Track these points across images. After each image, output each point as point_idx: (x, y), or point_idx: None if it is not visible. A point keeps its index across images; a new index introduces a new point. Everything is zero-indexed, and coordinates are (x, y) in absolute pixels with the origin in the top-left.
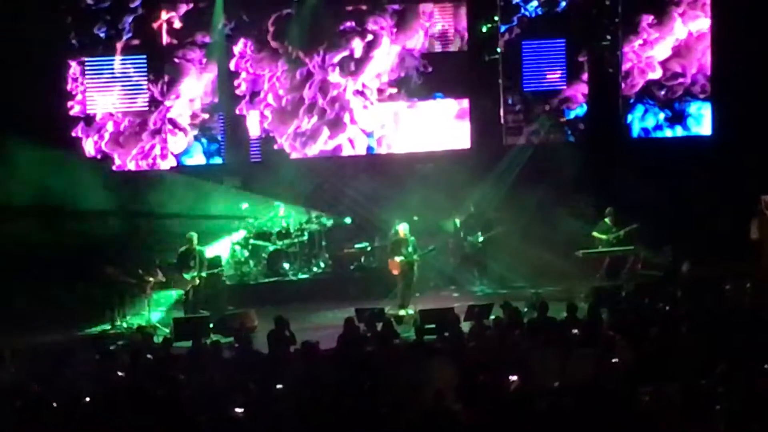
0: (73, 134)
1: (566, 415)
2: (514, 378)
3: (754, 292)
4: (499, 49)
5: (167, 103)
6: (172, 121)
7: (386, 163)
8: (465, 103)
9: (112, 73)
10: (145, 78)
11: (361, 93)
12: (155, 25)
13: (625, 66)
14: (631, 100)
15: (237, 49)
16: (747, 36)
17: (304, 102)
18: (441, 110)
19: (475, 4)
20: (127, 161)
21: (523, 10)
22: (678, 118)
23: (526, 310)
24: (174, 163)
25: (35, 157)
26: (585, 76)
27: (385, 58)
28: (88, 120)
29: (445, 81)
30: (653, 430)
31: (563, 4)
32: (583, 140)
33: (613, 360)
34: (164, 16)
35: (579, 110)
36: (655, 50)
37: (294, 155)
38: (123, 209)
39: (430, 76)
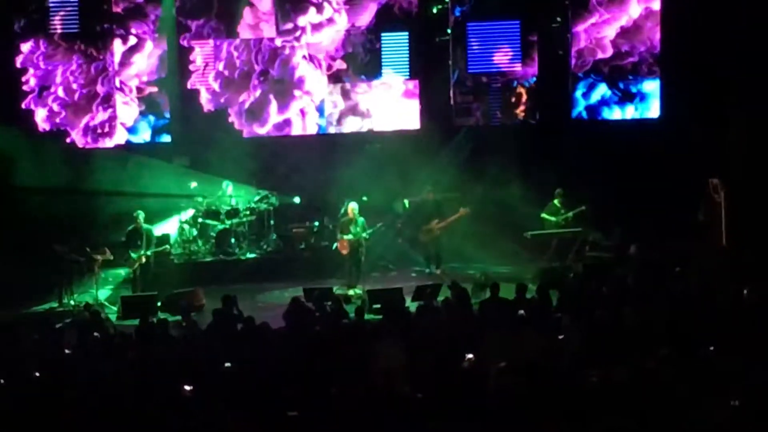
0: (24, 106)
1: (514, 395)
2: (470, 356)
3: (701, 275)
4: (449, 30)
5: (117, 73)
6: (121, 90)
7: (335, 142)
8: (413, 83)
9: (68, 43)
10: (95, 47)
11: (311, 60)
12: None
13: (576, 46)
14: (581, 80)
15: (196, 24)
16: (696, 15)
17: (254, 71)
18: (390, 90)
19: None
20: (78, 134)
21: None
22: (627, 96)
23: (473, 290)
24: (124, 137)
25: None
26: (535, 57)
27: (334, 35)
28: (41, 90)
29: (394, 59)
30: (601, 412)
31: None
32: (532, 121)
33: (561, 341)
34: None
35: (528, 91)
36: (606, 30)
37: (245, 133)
38: (72, 187)
39: (378, 53)
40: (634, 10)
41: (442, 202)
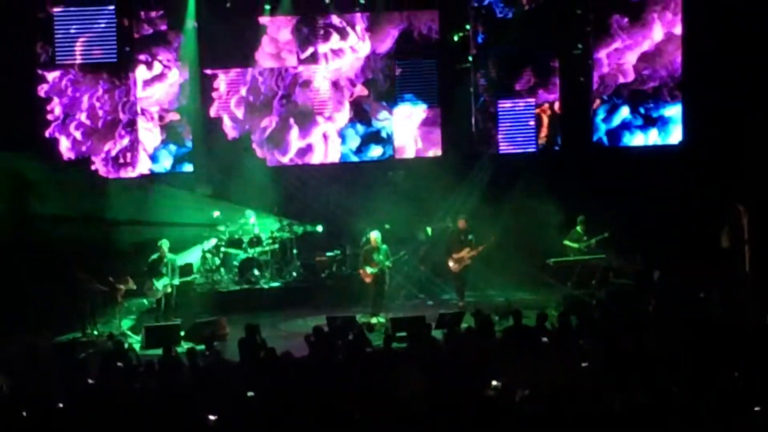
0: (48, 135)
1: (537, 422)
2: (495, 383)
3: (725, 301)
4: (470, 57)
5: (139, 99)
6: (143, 116)
7: (358, 170)
8: (436, 109)
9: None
10: (118, 74)
11: (332, 85)
12: (128, 21)
13: (598, 71)
14: (603, 106)
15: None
16: (718, 39)
17: (276, 95)
18: (411, 116)
19: (447, 11)
20: (101, 163)
21: (498, 13)
22: (649, 121)
23: (497, 318)
24: (147, 166)
25: (7, 161)
26: (557, 83)
27: (354, 61)
28: (66, 117)
29: (415, 86)
30: None
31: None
32: (554, 147)
33: (584, 367)
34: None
35: (550, 117)
36: (627, 55)
37: (269, 162)
38: (95, 216)
39: (398, 79)
40: (657, 35)
41: (473, 231)
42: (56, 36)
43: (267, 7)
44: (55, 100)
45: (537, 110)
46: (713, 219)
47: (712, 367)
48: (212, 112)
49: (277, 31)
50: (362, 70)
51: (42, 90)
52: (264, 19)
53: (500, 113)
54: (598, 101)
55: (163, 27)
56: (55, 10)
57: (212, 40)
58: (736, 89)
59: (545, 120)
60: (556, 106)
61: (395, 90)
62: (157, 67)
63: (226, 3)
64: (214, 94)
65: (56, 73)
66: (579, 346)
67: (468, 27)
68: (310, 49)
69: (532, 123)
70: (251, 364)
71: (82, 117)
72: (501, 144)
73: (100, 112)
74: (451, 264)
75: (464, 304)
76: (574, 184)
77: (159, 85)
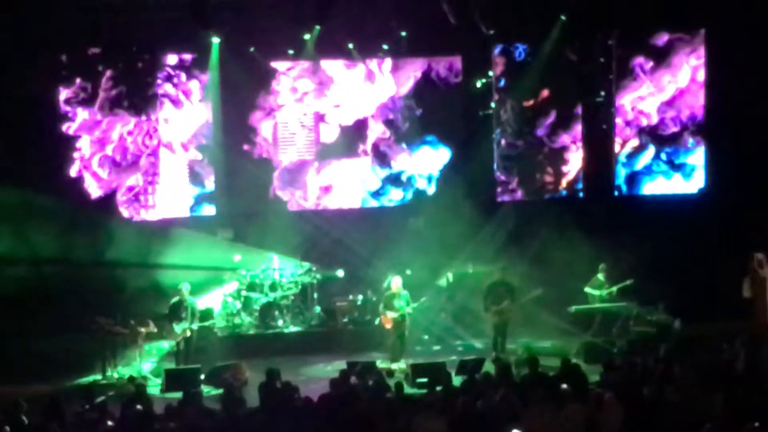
0: (74, 174)
1: None
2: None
3: (747, 351)
4: (492, 105)
5: (163, 138)
6: (166, 154)
7: (378, 215)
8: (455, 153)
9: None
10: (142, 111)
11: (355, 124)
12: (153, 60)
13: (620, 116)
14: (626, 150)
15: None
16: (742, 84)
17: (296, 133)
18: (430, 159)
19: (469, 57)
20: (124, 204)
21: (517, 57)
22: (672, 166)
23: (516, 365)
24: (169, 204)
25: (28, 205)
26: (579, 129)
27: (376, 102)
28: (94, 155)
29: (436, 128)
30: None
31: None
32: (576, 195)
33: (603, 416)
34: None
35: (572, 164)
36: (649, 101)
37: (290, 206)
38: (116, 259)
39: (419, 121)
40: (682, 79)
41: (512, 283)
42: (85, 74)
43: (290, 51)
44: (84, 137)
45: (559, 156)
46: (735, 268)
47: (734, 418)
48: (236, 153)
49: (298, 72)
50: (383, 110)
51: (69, 128)
52: (284, 63)
53: (522, 159)
54: (620, 142)
55: (189, 67)
56: (86, 50)
57: (235, 82)
58: (759, 136)
59: (568, 166)
60: (579, 152)
61: (414, 132)
62: (181, 106)
63: (249, 48)
64: (239, 134)
65: (87, 111)
66: (598, 394)
67: (491, 73)
68: (332, 89)
69: (554, 169)
70: (271, 408)
71: (109, 150)
72: (523, 190)
73: (132, 147)
74: (491, 316)
75: (495, 355)
76: (596, 231)
77: (182, 123)
